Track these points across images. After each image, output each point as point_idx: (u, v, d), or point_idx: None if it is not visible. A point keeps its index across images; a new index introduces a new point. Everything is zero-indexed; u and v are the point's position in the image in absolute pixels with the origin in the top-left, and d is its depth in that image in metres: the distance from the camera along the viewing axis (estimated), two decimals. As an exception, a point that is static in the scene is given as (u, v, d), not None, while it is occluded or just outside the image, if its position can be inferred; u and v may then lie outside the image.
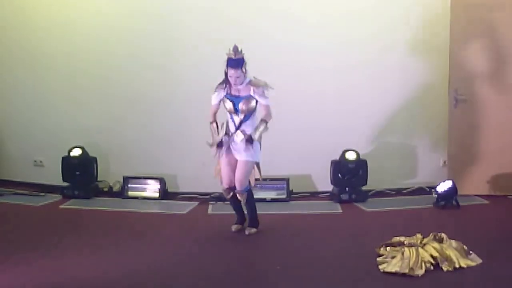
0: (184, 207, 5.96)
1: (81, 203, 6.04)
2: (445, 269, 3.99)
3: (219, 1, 6.34)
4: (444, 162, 6.35)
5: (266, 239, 4.92)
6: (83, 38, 6.49)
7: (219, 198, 6.02)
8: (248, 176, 4.90)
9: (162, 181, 6.33)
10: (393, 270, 3.94)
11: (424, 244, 4.21)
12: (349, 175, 6.15)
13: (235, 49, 4.71)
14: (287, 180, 6.25)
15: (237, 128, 4.82)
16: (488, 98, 6.09)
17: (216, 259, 4.42)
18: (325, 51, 6.34)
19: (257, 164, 5.01)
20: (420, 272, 3.92)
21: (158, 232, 5.12)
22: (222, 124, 4.91)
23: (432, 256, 4.05)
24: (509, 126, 6.10)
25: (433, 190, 6.04)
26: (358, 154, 6.18)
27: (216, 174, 5.09)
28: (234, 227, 5.05)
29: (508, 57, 6.04)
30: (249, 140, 4.75)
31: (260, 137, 4.87)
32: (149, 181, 6.37)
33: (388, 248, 4.27)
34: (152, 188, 6.34)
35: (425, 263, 3.99)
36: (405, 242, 4.29)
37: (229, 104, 4.81)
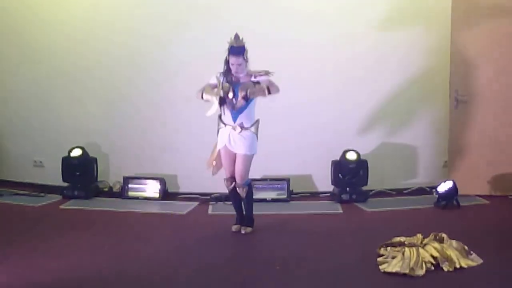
0: (184, 208, 5.95)
1: (81, 204, 6.04)
2: (445, 269, 3.98)
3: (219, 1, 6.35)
4: (445, 162, 6.34)
5: (267, 239, 4.91)
6: (83, 38, 6.50)
7: (220, 198, 6.02)
8: (248, 169, 4.90)
9: (162, 181, 6.32)
10: (393, 270, 3.93)
11: (425, 244, 4.21)
12: (349, 175, 6.15)
13: (237, 37, 4.70)
14: (287, 180, 6.25)
15: (234, 118, 4.77)
16: (489, 98, 6.08)
17: (216, 259, 4.41)
18: (325, 51, 6.34)
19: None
20: (421, 272, 3.91)
21: (158, 232, 5.11)
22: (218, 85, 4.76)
23: (432, 256, 4.04)
24: (509, 127, 6.09)
25: (433, 190, 6.03)
26: (358, 154, 6.17)
27: (209, 165, 5.05)
28: (234, 227, 5.04)
29: (509, 58, 6.03)
30: (245, 97, 4.67)
31: (257, 129, 4.84)
32: (149, 181, 6.37)
33: (388, 248, 4.26)
34: (152, 189, 6.33)
35: (425, 263, 3.98)
36: (406, 242, 4.28)
37: (229, 88, 4.73)
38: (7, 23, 6.70)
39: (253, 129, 4.82)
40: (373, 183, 6.24)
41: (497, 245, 4.48)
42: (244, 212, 5.08)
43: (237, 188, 4.92)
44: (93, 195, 6.31)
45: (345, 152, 6.19)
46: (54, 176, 6.44)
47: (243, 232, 4.98)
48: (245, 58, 4.74)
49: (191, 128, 6.37)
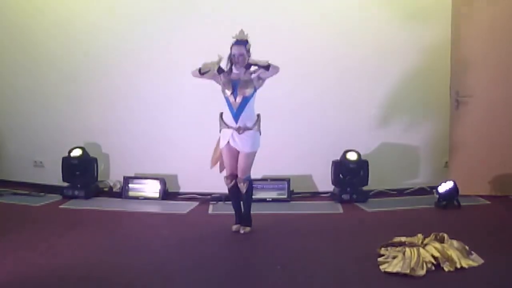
0: (185, 207, 5.94)
1: (81, 204, 6.03)
2: (446, 269, 3.97)
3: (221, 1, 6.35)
4: (446, 162, 6.34)
5: (267, 239, 4.90)
6: (83, 39, 6.49)
7: (220, 198, 6.01)
8: (251, 164, 4.92)
9: (162, 181, 6.32)
10: (394, 270, 3.92)
11: (425, 244, 4.20)
12: (350, 175, 6.15)
13: (241, 31, 4.81)
14: (288, 180, 6.24)
15: (236, 119, 4.79)
16: (490, 99, 6.08)
17: (216, 259, 4.41)
18: (325, 51, 6.34)
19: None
20: (421, 272, 3.90)
21: (158, 232, 5.10)
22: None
23: (433, 256, 4.04)
24: (510, 127, 6.08)
25: (434, 190, 6.02)
26: (359, 155, 6.17)
27: (214, 164, 5.11)
28: (234, 227, 5.03)
29: (510, 59, 6.02)
30: (247, 67, 4.73)
31: (259, 126, 4.87)
32: (149, 181, 6.36)
33: (389, 248, 4.25)
34: (152, 188, 6.33)
35: (426, 263, 3.97)
36: (406, 242, 4.28)
37: (229, 87, 4.78)
38: (7, 23, 6.70)
39: (255, 127, 4.85)
40: (374, 183, 6.24)
41: (498, 245, 4.47)
42: (242, 211, 5.06)
43: (238, 184, 4.92)
44: (93, 195, 6.31)
45: (345, 152, 6.20)
46: (54, 176, 6.44)
47: (242, 232, 4.98)
48: (247, 49, 4.79)
49: (191, 128, 6.36)
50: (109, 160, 6.64)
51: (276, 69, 4.74)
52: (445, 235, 4.29)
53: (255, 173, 5.26)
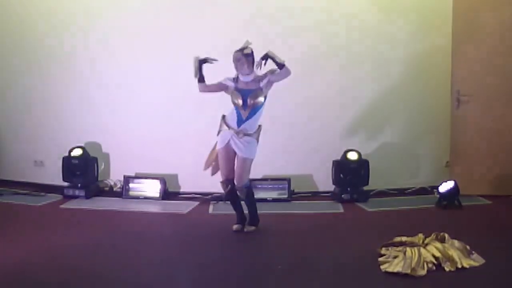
0: (185, 207, 5.94)
1: (81, 203, 6.03)
2: (447, 269, 3.96)
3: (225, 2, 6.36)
4: (447, 162, 6.33)
5: (267, 239, 4.90)
6: (83, 38, 6.50)
7: (220, 198, 6.00)
8: (248, 172, 4.90)
9: (162, 181, 6.31)
10: (395, 270, 3.91)
11: (426, 244, 4.19)
12: (350, 175, 6.14)
13: (246, 41, 4.82)
14: (288, 180, 6.23)
15: (240, 124, 4.81)
16: (491, 98, 6.08)
17: (216, 258, 4.40)
18: (326, 50, 6.33)
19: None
20: (422, 272, 3.89)
21: (159, 232, 5.09)
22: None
23: (434, 256, 4.02)
24: (511, 127, 6.07)
25: (435, 190, 6.02)
26: (359, 154, 6.17)
27: (207, 167, 5.11)
28: (235, 227, 5.03)
29: (511, 57, 6.01)
30: (264, 57, 4.73)
31: (258, 135, 4.89)
32: (149, 181, 6.36)
33: (390, 248, 4.24)
34: (152, 188, 6.33)
35: (427, 263, 3.96)
36: (407, 242, 4.27)
37: (238, 97, 4.80)
38: (7, 23, 6.70)
39: (255, 135, 4.86)
40: (374, 183, 6.23)
41: (499, 245, 4.46)
42: (244, 211, 5.06)
43: (238, 191, 4.93)
44: (93, 194, 6.31)
45: (346, 152, 6.19)
46: (54, 176, 6.44)
47: (245, 230, 4.98)
48: (247, 58, 4.78)
49: (192, 127, 6.36)
50: (110, 159, 6.63)
51: (288, 73, 4.76)
52: (446, 235, 4.28)
53: (255, 173, 5.26)
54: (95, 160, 6.42)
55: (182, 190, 6.49)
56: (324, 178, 6.31)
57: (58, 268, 4.08)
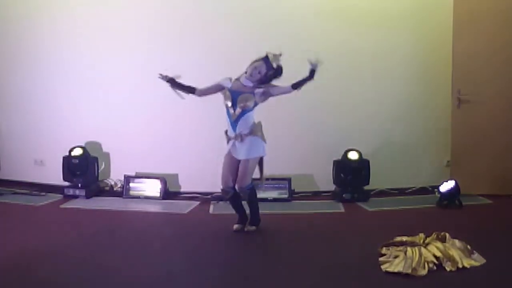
0: (185, 207, 5.94)
1: (82, 203, 6.03)
2: (448, 269, 3.96)
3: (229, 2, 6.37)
4: (448, 161, 6.32)
5: (268, 238, 4.89)
6: (84, 38, 6.48)
7: (221, 197, 5.99)
8: (250, 174, 4.90)
9: (163, 180, 6.31)
10: (395, 270, 3.90)
11: (427, 244, 4.18)
12: (351, 174, 6.13)
13: (278, 55, 4.83)
14: (289, 179, 6.23)
15: (234, 128, 4.81)
16: (491, 98, 6.07)
17: (217, 258, 4.40)
18: (326, 50, 6.30)
19: (260, 164, 5.00)
20: (423, 272, 3.88)
21: (159, 232, 5.09)
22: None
23: (435, 256, 4.02)
24: (512, 126, 6.08)
25: (436, 189, 6.01)
26: (360, 154, 6.16)
27: None
28: (235, 227, 5.02)
29: (512, 57, 6.03)
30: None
31: (262, 133, 4.89)
32: (150, 180, 6.35)
33: (390, 248, 4.23)
34: (153, 188, 6.32)
35: (428, 263, 3.95)
36: (408, 242, 4.26)
37: (228, 98, 4.81)
38: (7, 23, 6.69)
39: (253, 133, 4.84)
40: (375, 182, 6.23)
41: (500, 245, 4.46)
42: (245, 211, 5.06)
43: (240, 193, 4.93)
44: (94, 194, 6.30)
45: (346, 151, 6.19)
46: (54, 175, 6.42)
47: (246, 230, 4.98)
48: (268, 71, 4.78)
49: (192, 127, 6.35)
50: (110, 159, 6.63)
51: (290, 91, 4.79)
52: (447, 235, 4.28)
53: (255, 173, 5.24)
54: (95, 159, 6.42)
55: (182, 189, 6.48)
56: (325, 178, 6.30)
57: (58, 268, 4.08)
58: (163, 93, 6.36)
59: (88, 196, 6.21)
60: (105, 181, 6.58)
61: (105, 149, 6.61)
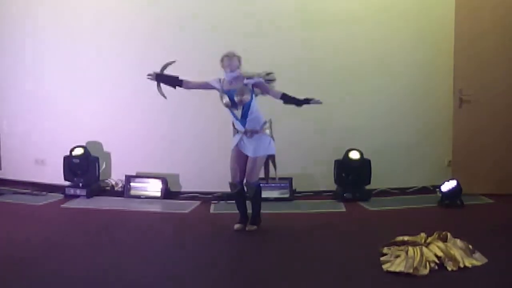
0: (186, 207, 5.93)
1: (82, 203, 6.03)
2: (449, 268, 3.95)
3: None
4: (449, 161, 6.31)
5: (269, 238, 4.89)
6: (84, 38, 6.49)
7: (222, 197, 6.00)
8: (258, 170, 4.93)
9: (164, 180, 6.30)
10: (397, 270, 3.89)
11: (429, 243, 4.17)
12: (352, 174, 6.12)
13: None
14: (290, 179, 6.22)
15: (243, 124, 4.83)
16: (493, 98, 6.07)
17: (218, 258, 4.40)
18: (327, 50, 6.32)
19: (273, 161, 5.05)
20: (425, 271, 3.87)
21: (160, 232, 5.08)
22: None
23: (436, 255, 4.01)
24: (513, 126, 6.07)
25: (437, 189, 6.01)
26: (361, 154, 6.16)
27: None
28: (236, 226, 5.02)
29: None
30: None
31: (271, 130, 4.93)
32: (151, 180, 6.35)
33: (392, 248, 4.22)
34: (154, 188, 6.32)
35: (429, 262, 3.94)
36: (409, 241, 4.25)
37: (226, 98, 4.82)
38: (7, 22, 6.69)
39: (264, 130, 4.87)
40: (376, 182, 6.22)
41: (501, 244, 4.45)
42: (247, 211, 5.06)
43: (246, 188, 4.94)
44: (94, 194, 6.30)
45: (348, 151, 6.18)
46: (55, 175, 6.42)
47: (247, 229, 4.98)
48: (237, 59, 4.86)
49: (193, 127, 6.35)
50: (111, 159, 6.62)
51: (277, 98, 4.88)
52: (448, 234, 4.26)
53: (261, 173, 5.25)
54: (96, 159, 6.42)
55: (183, 189, 6.47)
56: (326, 177, 6.30)
57: (58, 268, 4.07)
58: (164, 93, 6.42)
59: (89, 196, 6.21)
60: (106, 181, 6.58)
61: (106, 148, 6.61)
